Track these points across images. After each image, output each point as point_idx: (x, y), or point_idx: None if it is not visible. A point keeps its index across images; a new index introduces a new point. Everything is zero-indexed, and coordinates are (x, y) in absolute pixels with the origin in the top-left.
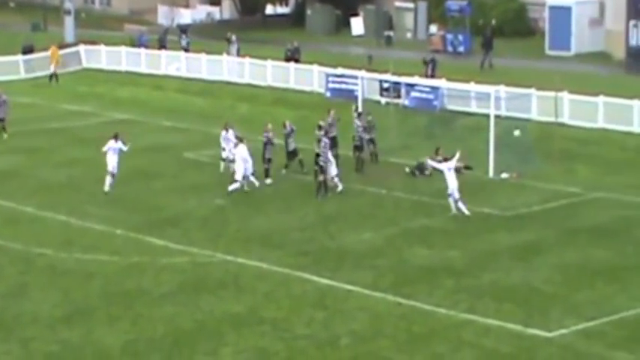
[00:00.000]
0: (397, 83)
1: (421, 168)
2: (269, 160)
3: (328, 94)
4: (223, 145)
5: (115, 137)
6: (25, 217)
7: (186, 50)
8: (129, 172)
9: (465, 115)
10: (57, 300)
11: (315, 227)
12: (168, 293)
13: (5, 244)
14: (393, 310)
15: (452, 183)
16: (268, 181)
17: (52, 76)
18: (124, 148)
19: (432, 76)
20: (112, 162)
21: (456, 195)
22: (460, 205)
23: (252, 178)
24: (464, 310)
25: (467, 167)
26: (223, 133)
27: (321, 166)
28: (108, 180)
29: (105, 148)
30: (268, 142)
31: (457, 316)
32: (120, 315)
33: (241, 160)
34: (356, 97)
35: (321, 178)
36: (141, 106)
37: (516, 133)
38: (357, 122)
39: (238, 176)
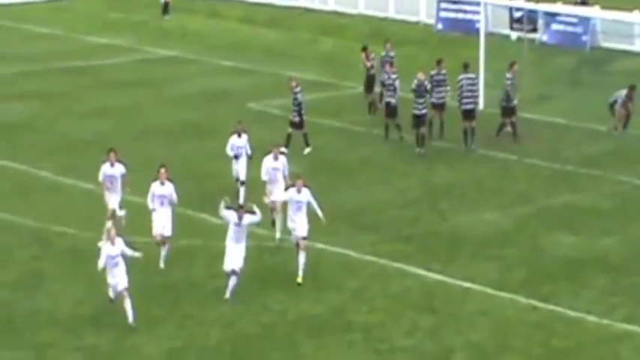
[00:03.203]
0: (533, 12)
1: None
2: (300, 124)
3: (440, 26)
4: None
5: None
6: (39, 185)
7: None
8: (175, 128)
9: (626, 55)
10: (81, 294)
11: (420, 204)
12: (225, 289)
13: (14, 219)
14: (525, 317)
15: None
16: (307, 150)
17: (165, 6)
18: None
19: (583, 3)
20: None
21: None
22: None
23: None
24: (622, 319)
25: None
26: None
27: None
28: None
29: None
30: (295, 100)
31: (612, 326)
32: (162, 316)
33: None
34: (477, 31)
35: (422, 130)
36: (192, 39)
37: None
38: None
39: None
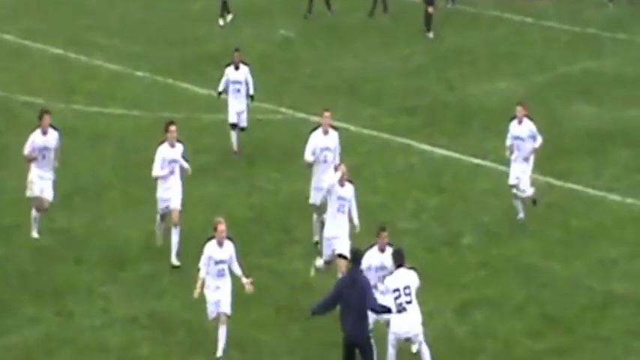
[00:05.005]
0: None
1: None
2: None
3: None
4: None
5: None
6: (3, 50)
7: None
8: None
9: None
10: (59, 174)
11: (426, 72)
12: (210, 166)
13: None
14: (541, 196)
15: None
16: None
17: None
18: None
19: None
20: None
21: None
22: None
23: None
24: None
25: None
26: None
27: None
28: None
29: None
30: None
31: (636, 205)
32: (141, 196)
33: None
34: None
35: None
36: None
37: None
38: None
39: None
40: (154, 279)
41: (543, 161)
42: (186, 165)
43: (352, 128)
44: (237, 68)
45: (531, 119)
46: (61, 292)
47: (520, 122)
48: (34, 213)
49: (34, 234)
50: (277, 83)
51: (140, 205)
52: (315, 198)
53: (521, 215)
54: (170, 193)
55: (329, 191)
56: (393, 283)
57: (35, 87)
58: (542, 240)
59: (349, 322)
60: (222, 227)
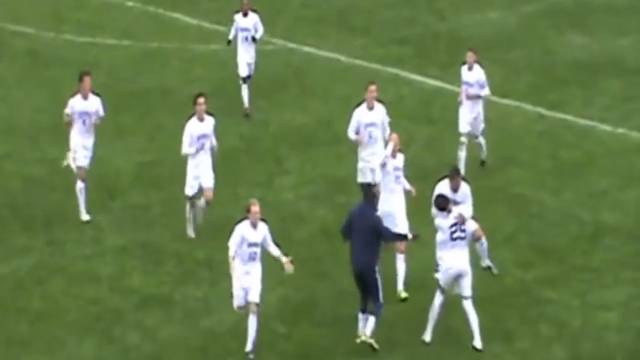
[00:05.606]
0: None
1: None
2: None
3: None
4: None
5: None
6: None
7: None
8: None
9: None
10: (40, 101)
11: (417, 2)
12: None
13: None
14: (531, 126)
15: None
16: None
17: None
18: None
19: None
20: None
21: None
22: None
23: None
24: (638, 127)
25: None
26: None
27: None
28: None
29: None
30: None
31: (627, 135)
32: (132, 126)
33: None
34: None
35: None
36: None
37: None
38: None
39: None
40: (145, 209)
41: (534, 91)
42: (214, 142)
43: (342, 58)
44: (245, 15)
45: (482, 66)
46: (52, 222)
47: (470, 68)
48: (79, 185)
49: (84, 216)
50: (268, 13)
51: (130, 135)
52: (364, 177)
53: (463, 155)
54: (199, 171)
55: (383, 165)
56: (448, 220)
57: (25, 16)
58: (532, 170)
59: (355, 250)
60: (255, 208)
